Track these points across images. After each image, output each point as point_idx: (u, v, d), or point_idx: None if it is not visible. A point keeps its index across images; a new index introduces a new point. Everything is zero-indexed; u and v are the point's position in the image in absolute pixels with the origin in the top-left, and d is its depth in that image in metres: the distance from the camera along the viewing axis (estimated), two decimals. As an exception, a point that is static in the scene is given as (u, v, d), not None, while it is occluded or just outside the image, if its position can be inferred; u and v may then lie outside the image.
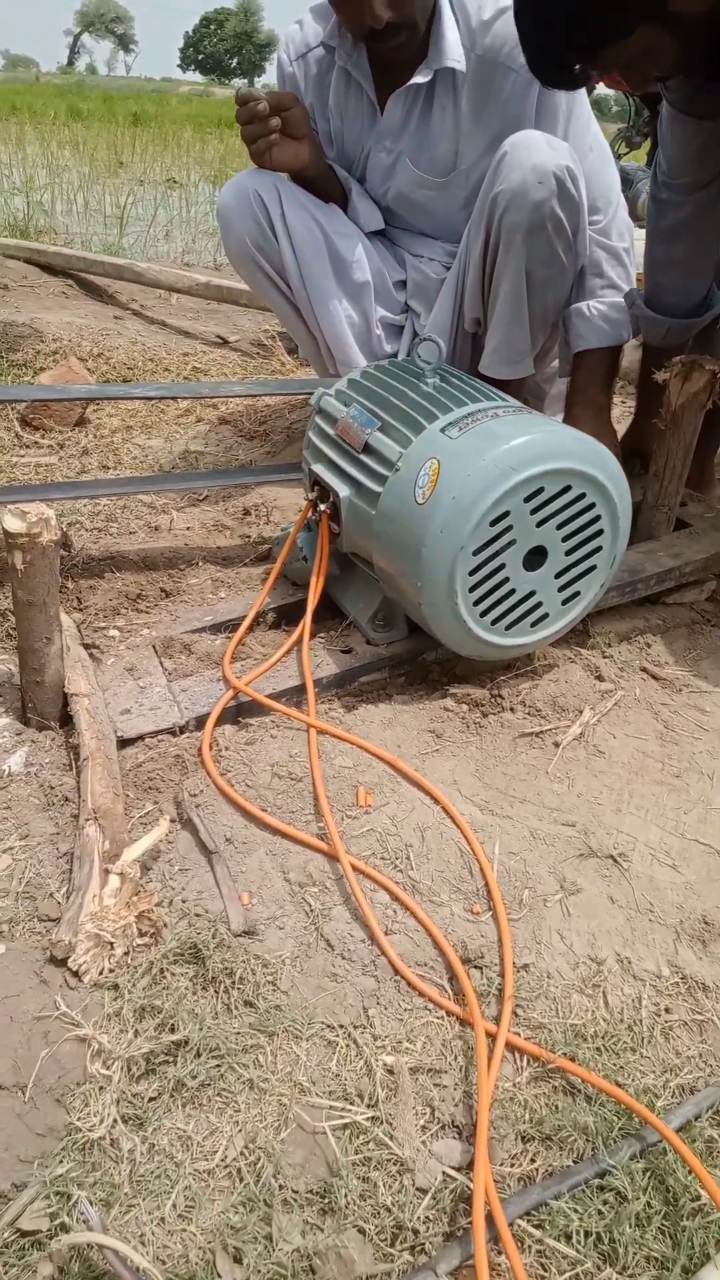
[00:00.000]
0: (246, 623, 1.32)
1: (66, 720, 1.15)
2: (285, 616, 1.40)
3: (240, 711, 1.19)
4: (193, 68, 79.21)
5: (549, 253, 1.49)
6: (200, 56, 78.64)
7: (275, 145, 1.56)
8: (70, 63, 79.75)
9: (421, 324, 1.78)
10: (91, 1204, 0.69)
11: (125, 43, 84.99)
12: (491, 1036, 0.81)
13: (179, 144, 7.96)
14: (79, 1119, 0.74)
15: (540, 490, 1.11)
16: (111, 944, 0.84)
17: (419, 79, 1.54)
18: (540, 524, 1.13)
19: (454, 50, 1.51)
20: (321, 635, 1.33)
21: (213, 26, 77.50)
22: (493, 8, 1.51)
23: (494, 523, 1.10)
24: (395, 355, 1.81)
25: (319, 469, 1.30)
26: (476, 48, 1.52)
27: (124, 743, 1.13)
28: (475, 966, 0.88)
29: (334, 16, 1.55)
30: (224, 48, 77.08)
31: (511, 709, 1.20)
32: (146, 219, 4.66)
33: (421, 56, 1.54)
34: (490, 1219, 0.67)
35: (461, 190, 1.63)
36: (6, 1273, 0.66)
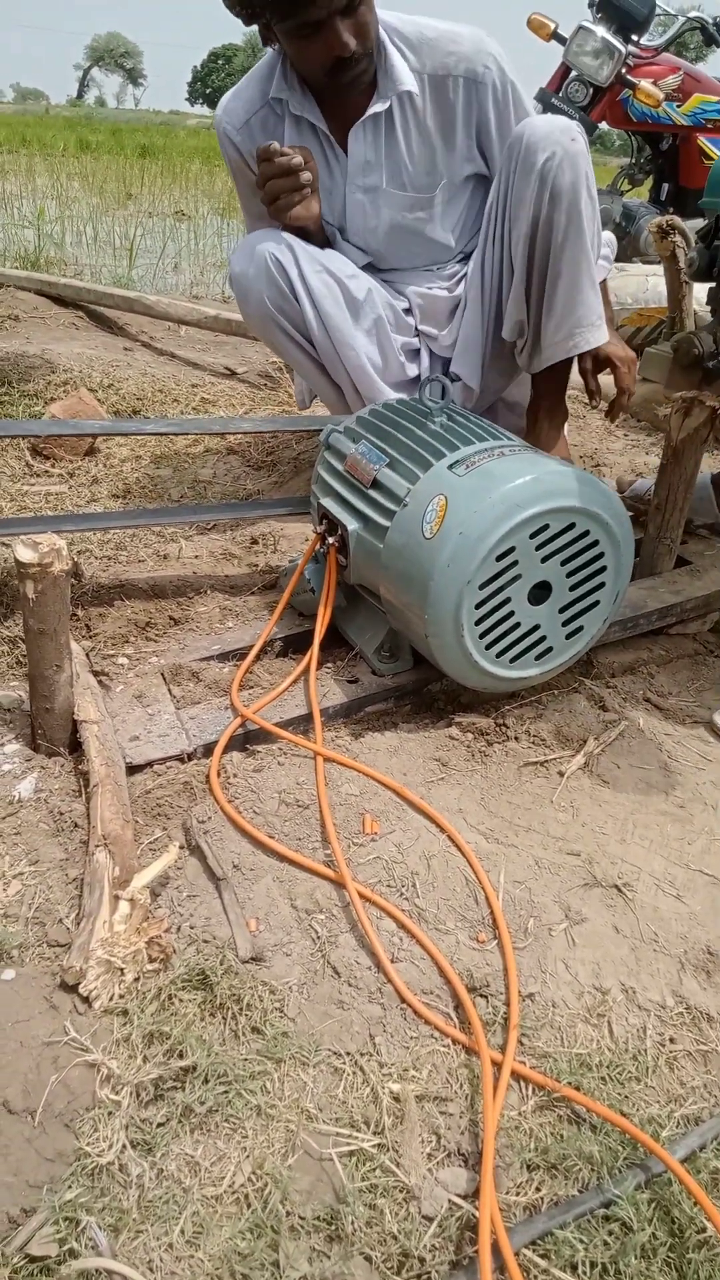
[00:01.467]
0: (253, 653, 1.34)
1: (76, 747, 1.16)
2: (292, 646, 1.42)
3: (248, 739, 1.21)
4: (200, 101, 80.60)
5: (591, 206, 1.58)
6: (208, 90, 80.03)
7: (302, 201, 1.59)
8: (79, 95, 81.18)
9: (441, 344, 1.81)
10: (100, 1229, 0.69)
11: (134, 77, 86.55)
12: (497, 1065, 0.82)
13: (187, 176, 8.09)
14: (88, 1144, 0.75)
15: (545, 527, 1.13)
16: (122, 970, 0.85)
17: (378, 107, 1.59)
18: (545, 560, 1.16)
19: (405, 74, 1.57)
20: (328, 665, 1.35)
21: (220, 61, 78.95)
22: (433, 28, 1.59)
23: (500, 558, 1.12)
24: (417, 378, 1.84)
25: (327, 503, 1.32)
26: (426, 67, 1.58)
27: (133, 769, 1.15)
28: (481, 995, 0.89)
29: (275, 73, 1.60)
30: (231, 82, 78.46)
31: (516, 738, 1.22)
32: (155, 251, 4.74)
33: (371, 89, 1.59)
34: (496, 1248, 0.68)
35: (451, 206, 1.68)
36: (16, 1298, 0.66)
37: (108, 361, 2.65)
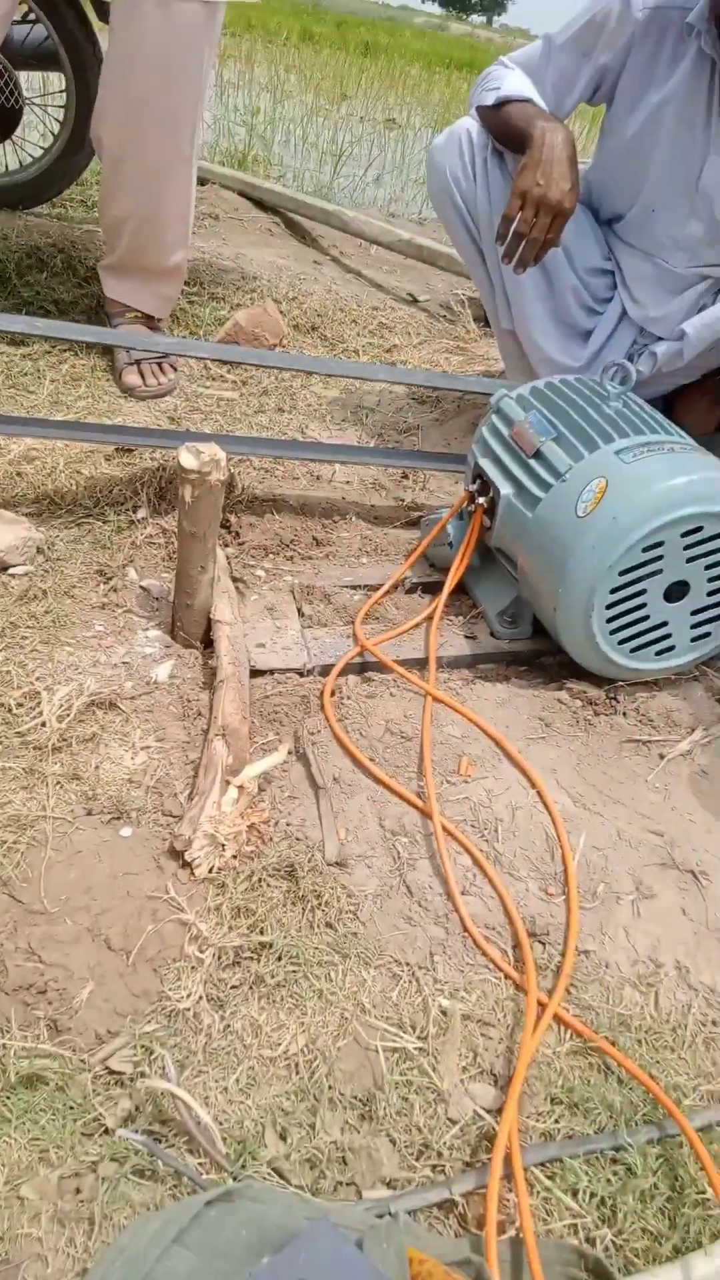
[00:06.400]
0: (382, 590, 1.40)
1: (208, 643, 1.26)
2: (420, 589, 1.47)
3: (365, 666, 1.28)
4: (432, -1, 77.25)
5: None
6: (441, -12, 76.64)
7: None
8: (311, -19, 79.36)
9: (645, 314, 1.77)
10: (171, 1062, 0.80)
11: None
12: (542, 1005, 0.88)
13: (405, 82, 7.90)
14: (170, 989, 0.86)
15: (699, 529, 1.15)
16: (223, 846, 0.96)
17: None
18: (690, 560, 1.17)
19: None
20: (450, 618, 1.40)
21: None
22: None
23: (646, 550, 1.14)
24: (588, 334, 1.83)
25: (485, 464, 1.35)
26: None
27: (255, 674, 1.24)
28: (539, 941, 0.96)
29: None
30: (467, -19, 74.88)
31: (624, 714, 1.25)
32: (361, 159, 4.70)
33: None
34: (508, 1160, 0.75)
35: None
36: (95, 1098, 0.78)
37: (296, 273, 2.70)
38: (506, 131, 1.61)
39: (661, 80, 1.58)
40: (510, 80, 1.62)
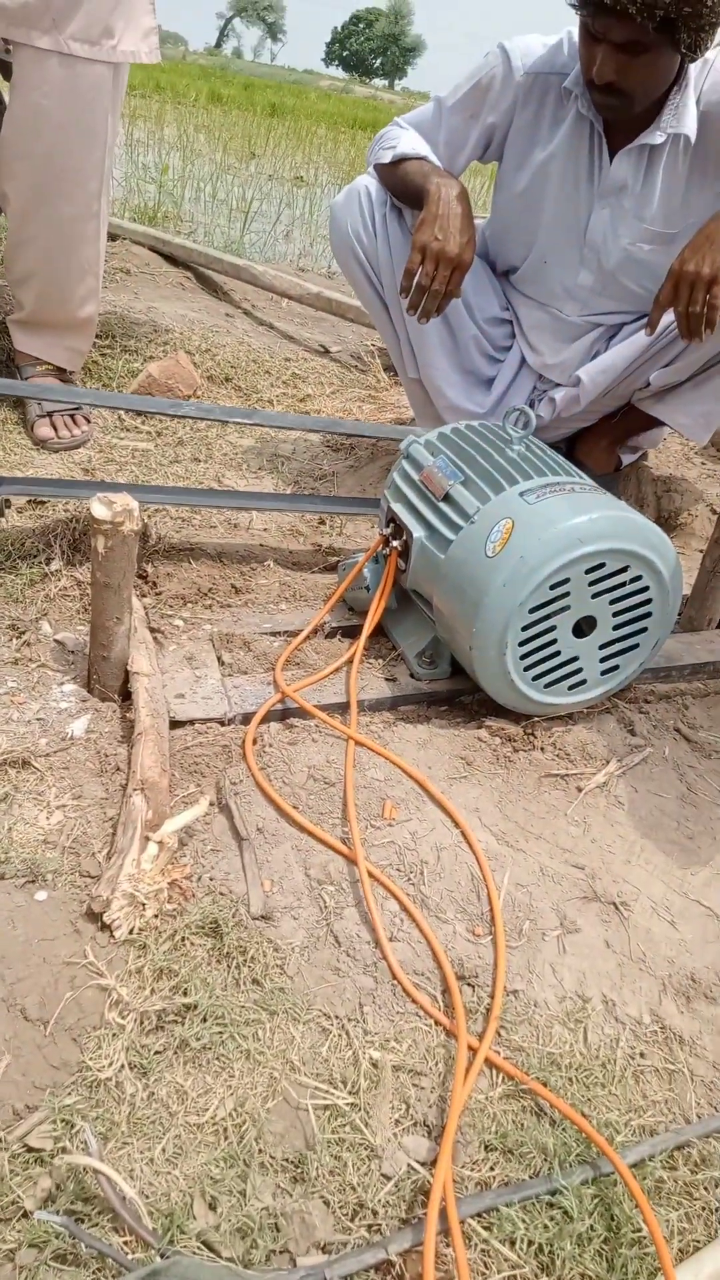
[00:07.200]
0: (302, 636, 1.40)
1: (126, 695, 1.24)
2: (340, 633, 1.48)
3: (287, 712, 1.27)
4: (336, 63, 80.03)
5: None
6: (345, 53, 79.47)
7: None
8: (218, 45, 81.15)
9: (544, 361, 1.83)
10: (92, 1135, 0.77)
11: (274, 31, 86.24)
12: (473, 1050, 0.87)
13: (311, 141, 8.10)
14: (91, 1059, 0.83)
15: (602, 565, 1.19)
16: (144, 905, 0.93)
17: (653, 140, 1.57)
18: (595, 596, 1.21)
19: (692, 119, 1.55)
20: (369, 661, 1.41)
21: (361, 25, 78.26)
22: None
23: (554, 586, 1.17)
24: (490, 381, 1.88)
25: (397, 508, 1.37)
26: (710, 111, 1.56)
27: (175, 725, 1.22)
28: (468, 984, 0.95)
29: (576, 68, 1.56)
30: (369, 47, 77.85)
31: (541, 749, 1.26)
32: (270, 216, 4.78)
33: (649, 119, 1.57)
34: (444, 1213, 0.74)
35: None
36: (12, 1179, 0.74)
37: (209, 326, 2.72)
38: (404, 188, 1.66)
39: (546, 139, 1.66)
40: (406, 139, 1.67)
